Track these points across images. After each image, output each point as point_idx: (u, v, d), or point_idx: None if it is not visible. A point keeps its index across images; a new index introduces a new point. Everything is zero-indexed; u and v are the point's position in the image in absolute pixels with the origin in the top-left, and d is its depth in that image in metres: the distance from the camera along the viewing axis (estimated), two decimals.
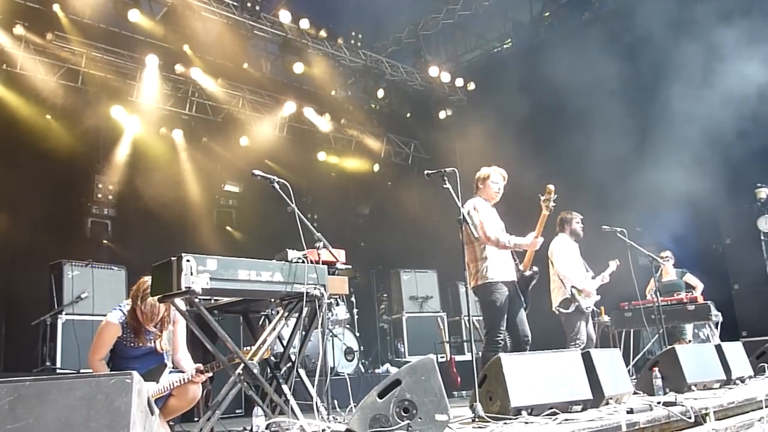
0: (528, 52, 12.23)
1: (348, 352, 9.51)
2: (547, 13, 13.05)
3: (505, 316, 5.61)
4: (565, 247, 7.31)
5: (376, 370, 10.42)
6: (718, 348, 6.32)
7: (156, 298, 4.18)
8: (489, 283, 5.65)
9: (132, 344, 4.57)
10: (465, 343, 11.15)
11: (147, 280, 4.43)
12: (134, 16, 9.86)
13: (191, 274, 3.71)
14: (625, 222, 8.07)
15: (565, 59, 10.51)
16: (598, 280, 7.40)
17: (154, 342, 4.64)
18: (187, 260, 3.72)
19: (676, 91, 9.64)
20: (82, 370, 6.74)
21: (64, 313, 7.85)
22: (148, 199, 10.42)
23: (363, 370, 9.95)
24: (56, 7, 9.64)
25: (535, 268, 5.80)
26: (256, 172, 4.85)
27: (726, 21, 9.35)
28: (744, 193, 9.82)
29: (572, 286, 7.00)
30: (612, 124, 9.98)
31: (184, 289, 3.68)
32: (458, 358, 10.29)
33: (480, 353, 5.62)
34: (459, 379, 9.81)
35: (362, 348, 10.12)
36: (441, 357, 10.38)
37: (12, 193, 8.82)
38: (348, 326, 9.79)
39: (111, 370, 4.43)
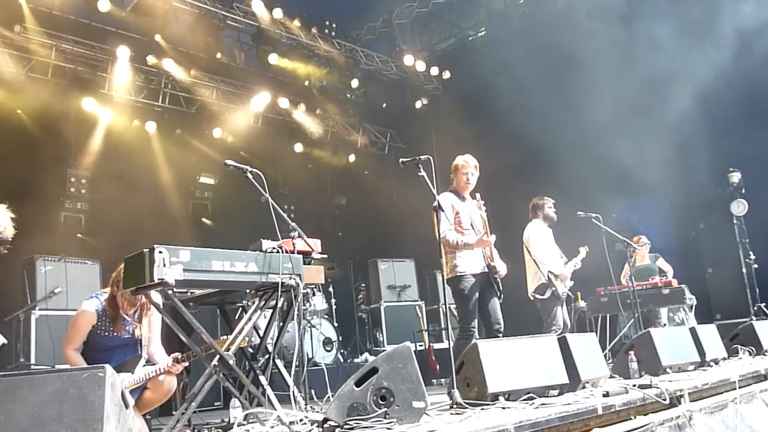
0: (503, 40, 12.24)
1: (326, 342, 9.51)
2: (522, 1, 13.07)
3: (477, 306, 5.71)
4: (539, 232, 7.37)
5: (355, 360, 10.43)
6: (693, 331, 6.41)
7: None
8: (458, 275, 5.75)
9: (107, 333, 4.49)
10: (443, 331, 11.18)
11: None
12: (104, 6, 9.67)
13: (164, 265, 3.66)
14: (600, 208, 8.13)
15: (540, 47, 10.55)
16: (571, 266, 7.45)
17: (133, 330, 4.57)
18: (160, 252, 3.68)
19: (649, 76, 9.72)
20: (57, 366, 6.66)
21: (37, 308, 7.75)
22: (122, 192, 10.29)
23: (342, 359, 9.96)
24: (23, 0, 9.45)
25: (493, 264, 5.82)
26: (229, 162, 4.81)
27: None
28: (717, 178, 9.94)
29: (549, 271, 7.05)
30: (586, 110, 10.05)
31: (157, 281, 3.64)
32: (437, 346, 10.34)
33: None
34: (438, 366, 9.86)
35: (341, 338, 10.13)
36: (419, 345, 10.42)
37: None
38: (326, 316, 9.78)
39: (86, 362, 4.38)
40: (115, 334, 4.51)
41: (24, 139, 9.78)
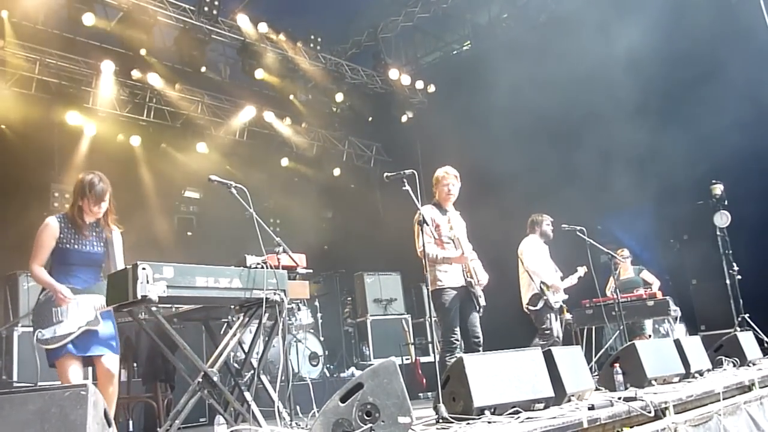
0: (487, 54, 12.32)
1: (312, 357, 9.45)
2: (506, 15, 13.17)
3: (458, 320, 5.75)
4: (534, 246, 7.51)
5: (342, 374, 10.38)
6: (677, 342, 6.43)
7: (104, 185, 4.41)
8: (439, 289, 5.79)
9: (70, 245, 4.48)
10: (430, 345, 11.17)
11: (86, 174, 4.52)
12: (89, 20, 9.62)
13: (147, 282, 3.65)
14: (585, 221, 8.18)
15: (524, 60, 10.62)
16: (567, 282, 7.58)
17: (96, 247, 4.58)
18: (143, 268, 3.66)
19: (634, 89, 9.80)
20: (39, 383, 6.59)
21: (20, 325, 7.65)
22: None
23: (328, 374, 9.90)
24: (5, 14, 9.41)
25: (471, 279, 5.84)
26: (213, 177, 4.80)
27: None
28: (699, 190, 10.02)
29: (541, 282, 7.14)
30: (570, 124, 10.13)
31: (140, 297, 3.62)
32: (423, 359, 10.30)
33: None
34: (424, 380, 9.82)
35: (327, 352, 10.07)
36: (406, 359, 10.39)
37: None
38: (312, 331, 9.73)
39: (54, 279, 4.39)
40: (78, 246, 4.49)
41: (7, 153, 9.72)
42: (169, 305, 4.62)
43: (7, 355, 7.57)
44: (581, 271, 7.77)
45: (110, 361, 4.47)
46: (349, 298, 12.44)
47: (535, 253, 7.47)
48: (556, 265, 7.84)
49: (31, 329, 7.49)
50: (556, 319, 7.33)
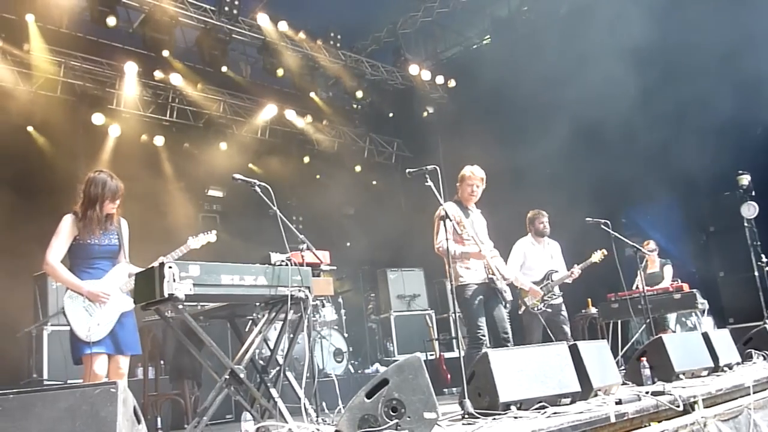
0: (507, 48, 12.26)
1: (337, 354, 9.49)
2: (526, 8, 13.07)
3: (483, 314, 5.74)
4: (519, 248, 7.49)
5: (366, 371, 10.41)
6: (705, 336, 6.35)
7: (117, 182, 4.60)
8: (462, 285, 5.80)
9: (88, 240, 4.60)
10: (454, 340, 11.15)
11: (96, 174, 4.70)
12: (111, 22, 9.73)
13: (174, 280, 3.69)
14: (610, 213, 8.10)
15: (545, 53, 10.55)
16: (558, 280, 7.38)
17: (111, 242, 4.71)
18: (169, 267, 3.70)
19: (658, 79, 9.69)
20: (69, 381, 6.68)
21: (49, 324, 7.77)
22: (131, 206, 10.31)
23: (352, 370, 9.93)
24: (32, 18, 9.55)
25: (492, 275, 5.82)
26: (237, 176, 4.84)
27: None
28: (726, 181, 9.89)
29: (520, 288, 7.14)
30: (594, 116, 10.03)
31: (167, 296, 3.66)
32: (447, 355, 10.31)
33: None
34: (449, 376, 9.82)
35: (351, 349, 10.11)
36: (430, 355, 10.39)
37: None
38: (336, 327, 9.78)
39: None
40: (97, 240, 4.62)
41: (34, 155, 9.88)
42: (195, 303, 4.66)
43: (37, 353, 7.69)
44: (576, 271, 7.58)
45: (125, 361, 4.61)
46: (373, 295, 12.46)
47: (515, 256, 7.41)
48: (574, 259, 7.68)
49: (59, 328, 7.70)
50: (539, 326, 7.21)
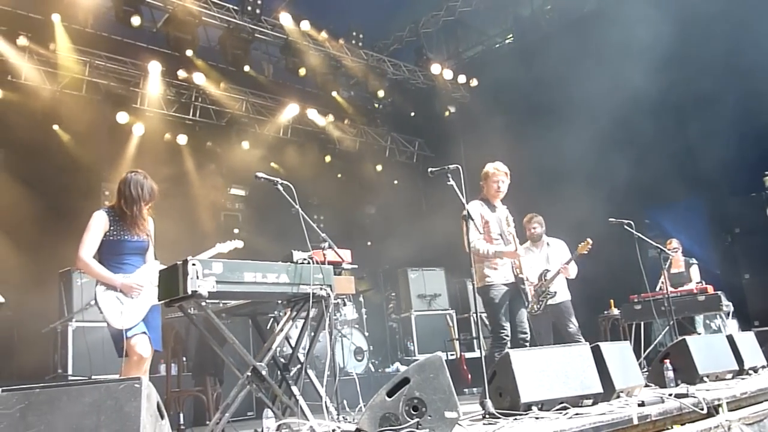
0: (530, 46, 12.19)
1: (357, 352, 9.51)
2: (549, 7, 12.99)
3: (508, 315, 5.74)
4: None
5: (386, 369, 10.43)
6: (730, 338, 6.28)
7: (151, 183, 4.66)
8: (488, 285, 5.79)
9: (118, 237, 4.67)
10: (474, 340, 11.14)
11: (133, 174, 4.77)
12: (136, 22, 9.82)
13: (197, 277, 3.72)
14: (633, 214, 8.02)
15: (568, 52, 10.47)
16: (554, 275, 7.29)
17: (140, 239, 4.77)
18: (193, 264, 3.73)
19: (682, 79, 9.58)
20: (93, 377, 6.77)
21: (74, 320, 7.86)
22: (155, 204, 10.41)
23: (373, 369, 9.95)
24: (58, 18, 9.67)
25: (522, 275, 5.81)
26: (260, 174, 4.86)
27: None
28: (752, 181, 9.76)
29: None
30: (617, 116, 9.94)
31: (190, 293, 3.69)
32: (468, 354, 10.29)
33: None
34: (469, 375, 9.80)
35: (371, 347, 10.12)
36: (451, 354, 10.38)
37: (21, 203, 8.86)
38: (357, 326, 9.79)
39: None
40: (129, 236, 4.69)
41: (60, 153, 10.03)
42: (218, 300, 4.70)
43: (62, 349, 7.78)
44: (570, 269, 7.46)
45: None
46: (393, 294, 12.47)
47: None
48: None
49: (84, 324, 7.79)
50: (545, 327, 7.16)
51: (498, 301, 5.73)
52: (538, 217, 7.53)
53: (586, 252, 7.30)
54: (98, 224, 4.64)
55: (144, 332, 4.52)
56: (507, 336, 5.66)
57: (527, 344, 5.77)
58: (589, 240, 7.30)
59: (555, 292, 7.22)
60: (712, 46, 9.41)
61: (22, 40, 9.42)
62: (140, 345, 4.46)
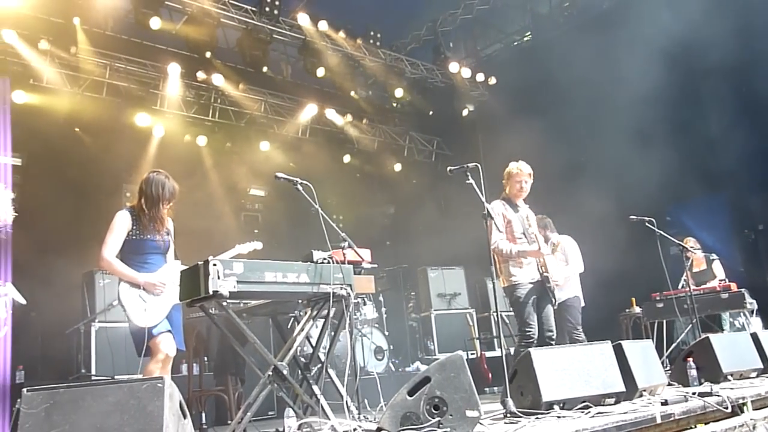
0: (548, 44, 12.11)
1: (377, 351, 9.52)
2: (567, 4, 12.90)
3: (534, 314, 5.71)
4: None
5: (407, 369, 10.42)
6: (754, 336, 6.20)
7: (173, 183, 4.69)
8: (514, 284, 5.78)
9: (141, 236, 4.71)
10: (495, 339, 11.09)
11: (155, 174, 4.81)
12: (156, 24, 9.88)
13: (218, 278, 3.74)
14: (655, 211, 7.95)
15: (587, 49, 10.39)
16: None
17: (161, 238, 4.81)
18: (214, 264, 3.76)
19: (703, 74, 9.48)
20: (116, 376, 6.83)
21: (96, 321, 7.95)
22: (175, 206, 10.49)
23: (393, 368, 9.95)
24: (78, 21, 9.76)
25: (546, 274, 5.77)
26: (280, 174, 4.88)
27: None
28: None
29: None
30: (637, 113, 9.86)
31: (211, 293, 3.72)
32: (489, 354, 10.25)
33: (511, 349, 5.69)
34: (490, 374, 9.77)
35: (392, 347, 10.12)
36: (471, 353, 10.35)
37: (43, 205, 8.96)
38: (377, 325, 9.80)
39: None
40: (151, 236, 4.74)
41: (82, 155, 10.13)
42: (239, 300, 4.72)
43: (85, 349, 7.88)
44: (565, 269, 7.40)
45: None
46: (413, 293, 12.45)
47: None
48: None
49: (107, 325, 7.87)
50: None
51: (524, 299, 5.70)
52: (544, 222, 7.44)
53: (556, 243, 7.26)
54: (121, 224, 4.68)
55: (169, 330, 4.56)
56: (534, 335, 5.62)
57: (553, 342, 5.73)
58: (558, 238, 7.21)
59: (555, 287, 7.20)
60: (733, 37, 9.29)
61: (43, 44, 9.51)
62: (165, 343, 4.50)
